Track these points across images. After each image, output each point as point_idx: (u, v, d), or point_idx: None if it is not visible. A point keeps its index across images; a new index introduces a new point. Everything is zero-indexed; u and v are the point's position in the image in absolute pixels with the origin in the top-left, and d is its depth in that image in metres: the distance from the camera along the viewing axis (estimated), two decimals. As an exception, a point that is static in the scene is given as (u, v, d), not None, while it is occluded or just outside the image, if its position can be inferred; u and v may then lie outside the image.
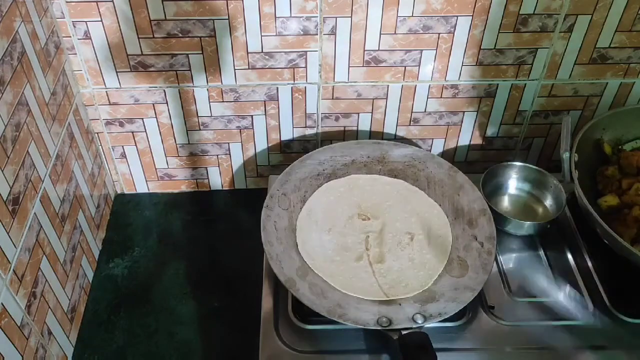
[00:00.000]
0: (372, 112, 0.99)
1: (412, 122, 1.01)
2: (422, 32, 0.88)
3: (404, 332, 0.72)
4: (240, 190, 1.11)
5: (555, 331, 0.77)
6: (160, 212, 1.07)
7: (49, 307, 0.79)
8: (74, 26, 0.86)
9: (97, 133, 1.00)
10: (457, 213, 0.87)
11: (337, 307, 0.74)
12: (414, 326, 0.72)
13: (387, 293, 0.77)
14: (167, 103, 0.96)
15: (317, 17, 0.86)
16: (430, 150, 1.05)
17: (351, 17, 0.86)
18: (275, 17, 0.86)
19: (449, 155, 1.06)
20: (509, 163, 0.94)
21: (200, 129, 1.00)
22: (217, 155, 1.05)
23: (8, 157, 0.69)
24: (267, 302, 0.80)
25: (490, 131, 1.03)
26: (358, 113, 0.99)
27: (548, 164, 1.06)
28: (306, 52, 0.90)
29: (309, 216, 0.87)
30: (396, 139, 1.03)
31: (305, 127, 1.01)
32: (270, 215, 0.85)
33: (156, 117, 0.98)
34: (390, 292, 0.78)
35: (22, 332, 0.71)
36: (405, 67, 0.93)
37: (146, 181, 1.08)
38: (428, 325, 0.73)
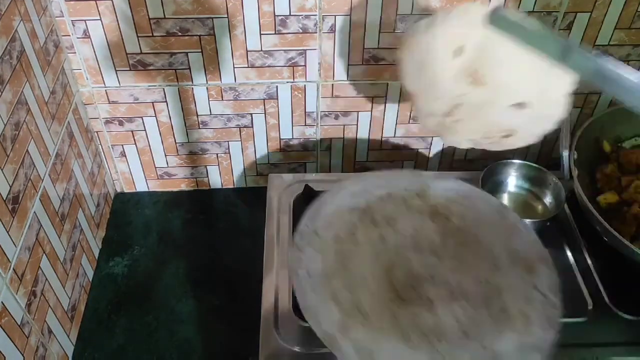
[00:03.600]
0: (371, 111, 0.99)
1: (411, 120, 1.01)
2: (421, 30, 0.88)
3: None
4: (240, 188, 1.11)
5: (555, 329, 0.77)
6: (160, 211, 1.07)
7: (49, 305, 0.79)
8: (73, 25, 0.86)
9: (97, 132, 1.00)
10: (512, 258, 0.73)
11: None
12: None
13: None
14: (166, 102, 0.96)
15: (316, 15, 0.86)
16: (429, 150, 1.05)
17: (350, 15, 0.86)
18: (275, 15, 0.86)
19: (448, 153, 1.06)
20: (509, 161, 0.94)
21: (199, 128, 1.00)
22: (217, 154, 1.05)
23: (8, 156, 0.69)
24: (267, 301, 0.80)
25: (490, 129, 1.03)
26: (357, 111, 0.99)
27: (547, 162, 1.06)
28: (305, 50, 0.90)
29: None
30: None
31: (305, 125, 1.01)
32: (302, 258, 0.71)
33: (155, 116, 0.98)
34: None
35: (22, 330, 0.71)
36: (404, 65, 0.93)
37: (146, 180, 1.08)
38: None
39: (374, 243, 0.75)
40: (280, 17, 0.86)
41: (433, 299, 0.70)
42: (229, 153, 1.05)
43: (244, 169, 1.08)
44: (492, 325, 0.67)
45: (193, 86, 0.94)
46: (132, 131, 1.00)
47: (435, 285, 0.71)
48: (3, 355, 0.67)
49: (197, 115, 0.98)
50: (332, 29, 0.88)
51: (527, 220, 0.87)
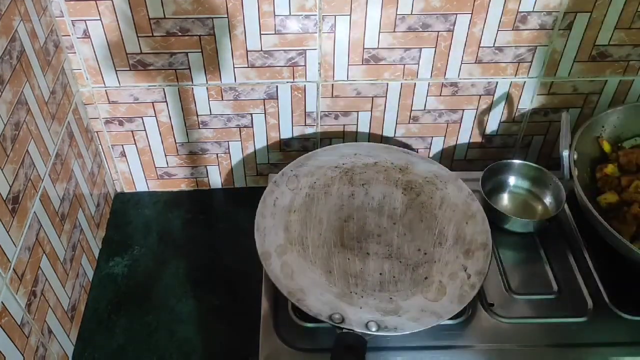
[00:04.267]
0: (371, 111, 0.99)
1: (411, 120, 1.01)
2: (421, 30, 0.88)
3: (344, 331, 0.70)
4: (239, 188, 1.11)
5: (555, 329, 0.77)
6: (160, 211, 1.07)
7: (49, 305, 0.79)
8: (73, 25, 0.86)
9: (97, 132, 1.00)
10: (457, 240, 0.82)
11: (299, 292, 0.74)
12: (367, 332, 0.70)
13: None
14: (166, 102, 0.96)
15: (316, 15, 0.86)
16: (429, 150, 1.05)
17: (350, 15, 0.86)
18: (275, 15, 0.86)
19: (448, 153, 1.06)
20: (509, 161, 0.94)
21: (199, 128, 1.00)
22: (217, 154, 1.05)
23: (8, 156, 0.69)
24: (266, 300, 0.80)
25: (490, 129, 1.03)
26: (357, 111, 0.99)
27: (547, 162, 1.06)
28: (305, 50, 0.90)
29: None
30: (409, 147, 1.03)
31: (305, 125, 1.01)
32: (275, 191, 0.87)
33: (155, 116, 0.98)
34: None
35: (22, 330, 0.71)
36: (404, 65, 0.93)
37: (146, 180, 1.08)
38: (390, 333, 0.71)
39: (343, 197, 0.87)
40: (280, 17, 0.86)
41: (370, 253, 0.80)
42: (229, 153, 1.05)
43: (244, 169, 1.08)
44: (409, 287, 0.76)
45: (193, 86, 0.94)
46: (132, 131, 1.00)
47: (378, 244, 0.81)
48: (3, 355, 0.67)
49: (197, 115, 0.98)
50: (332, 29, 0.88)
51: (527, 220, 0.87)
